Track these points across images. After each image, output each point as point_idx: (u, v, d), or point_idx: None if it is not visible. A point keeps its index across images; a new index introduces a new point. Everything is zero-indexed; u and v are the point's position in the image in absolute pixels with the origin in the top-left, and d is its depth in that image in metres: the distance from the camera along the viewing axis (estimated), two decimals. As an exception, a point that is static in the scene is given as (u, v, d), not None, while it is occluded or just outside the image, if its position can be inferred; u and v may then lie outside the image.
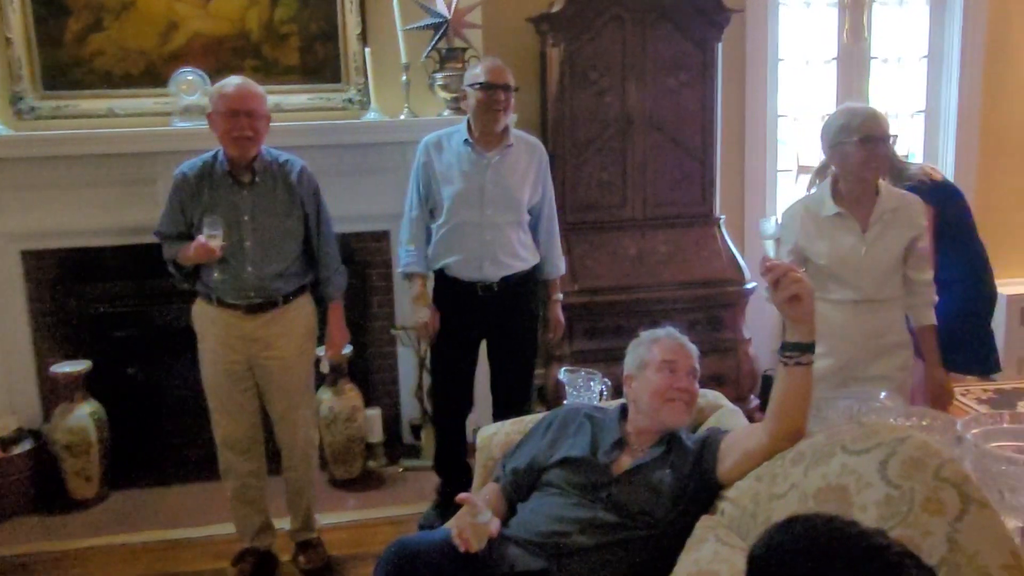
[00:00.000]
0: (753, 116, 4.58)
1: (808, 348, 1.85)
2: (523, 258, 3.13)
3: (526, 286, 3.18)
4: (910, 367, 2.71)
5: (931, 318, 2.73)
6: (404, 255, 3.18)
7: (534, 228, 3.20)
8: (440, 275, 3.15)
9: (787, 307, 1.83)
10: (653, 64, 3.99)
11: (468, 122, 3.07)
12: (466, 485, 3.29)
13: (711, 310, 4.01)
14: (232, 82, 2.81)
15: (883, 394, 2.32)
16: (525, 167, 3.09)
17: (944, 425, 2.02)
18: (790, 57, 4.64)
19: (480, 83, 2.96)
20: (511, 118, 3.08)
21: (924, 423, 2.03)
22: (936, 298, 2.75)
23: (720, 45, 4.05)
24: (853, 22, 4.62)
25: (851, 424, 1.85)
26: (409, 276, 3.19)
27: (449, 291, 3.13)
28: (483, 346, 3.27)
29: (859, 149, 2.58)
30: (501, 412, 3.14)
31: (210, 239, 2.72)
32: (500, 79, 2.96)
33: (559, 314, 3.36)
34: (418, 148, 3.14)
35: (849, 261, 2.66)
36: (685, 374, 2.15)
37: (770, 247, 2.72)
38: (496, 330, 3.18)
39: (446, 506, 3.25)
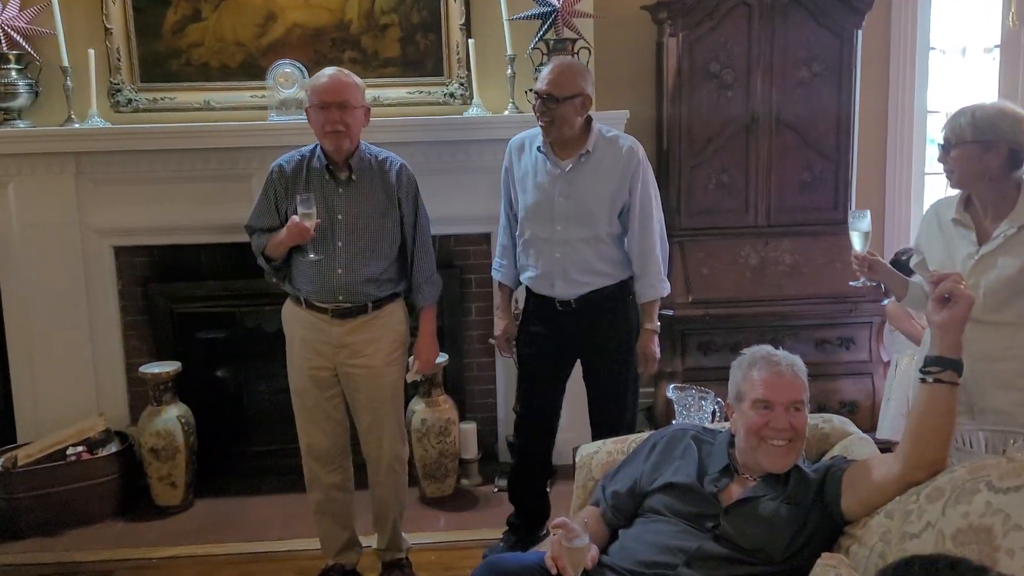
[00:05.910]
0: (898, 112, 4.45)
1: (952, 364, 1.83)
2: (604, 273, 3.04)
3: (618, 302, 3.10)
4: None
5: None
6: (494, 263, 3.28)
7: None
8: (527, 288, 3.17)
9: (935, 309, 1.85)
10: (782, 55, 3.93)
11: None
12: (541, 519, 3.28)
13: (842, 328, 3.90)
14: (325, 73, 2.89)
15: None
16: (606, 176, 2.99)
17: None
18: (944, 45, 4.49)
19: (533, 90, 2.95)
20: (599, 125, 3.03)
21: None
22: None
23: (860, 33, 3.96)
24: (1020, 4, 4.41)
25: (998, 458, 1.77)
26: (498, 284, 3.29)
27: (533, 304, 3.16)
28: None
29: (941, 155, 2.49)
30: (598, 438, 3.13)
31: (304, 218, 2.78)
32: (549, 89, 2.88)
33: (650, 346, 3.09)
34: (506, 150, 3.18)
35: None
36: (784, 411, 2.04)
37: (856, 240, 2.61)
38: (588, 349, 3.14)
39: (517, 540, 3.24)
